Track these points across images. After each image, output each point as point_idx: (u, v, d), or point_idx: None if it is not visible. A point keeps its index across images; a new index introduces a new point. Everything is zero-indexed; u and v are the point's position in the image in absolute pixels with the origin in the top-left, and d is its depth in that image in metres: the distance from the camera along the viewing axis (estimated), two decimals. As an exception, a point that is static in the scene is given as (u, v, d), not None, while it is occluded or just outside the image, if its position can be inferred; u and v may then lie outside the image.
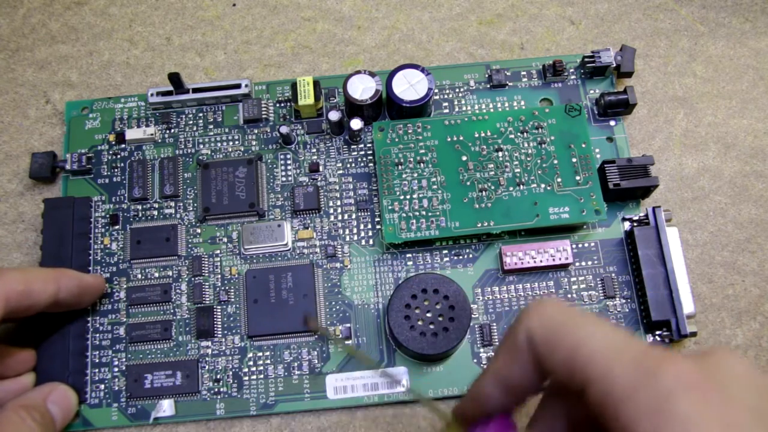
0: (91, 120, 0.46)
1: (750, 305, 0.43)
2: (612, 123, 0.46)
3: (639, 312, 0.42)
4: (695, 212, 0.45)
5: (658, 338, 0.41)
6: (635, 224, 0.43)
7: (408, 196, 0.42)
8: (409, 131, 0.43)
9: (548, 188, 0.42)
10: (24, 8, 0.51)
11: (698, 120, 0.47)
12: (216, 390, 0.41)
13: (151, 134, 0.45)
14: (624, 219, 0.44)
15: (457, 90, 0.47)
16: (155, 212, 0.44)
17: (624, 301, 0.42)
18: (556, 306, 0.27)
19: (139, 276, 0.43)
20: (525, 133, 0.44)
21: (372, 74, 0.44)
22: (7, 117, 0.48)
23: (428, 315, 0.40)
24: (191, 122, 0.46)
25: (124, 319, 0.42)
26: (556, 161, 0.43)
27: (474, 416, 0.30)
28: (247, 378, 0.41)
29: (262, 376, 0.41)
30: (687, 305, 0.41)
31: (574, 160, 0.43)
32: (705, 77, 0.48)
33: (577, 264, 0.43)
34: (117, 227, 0.44)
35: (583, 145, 0.43)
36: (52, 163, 0.45)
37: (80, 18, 0.51)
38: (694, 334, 0.40)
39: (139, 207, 0.44)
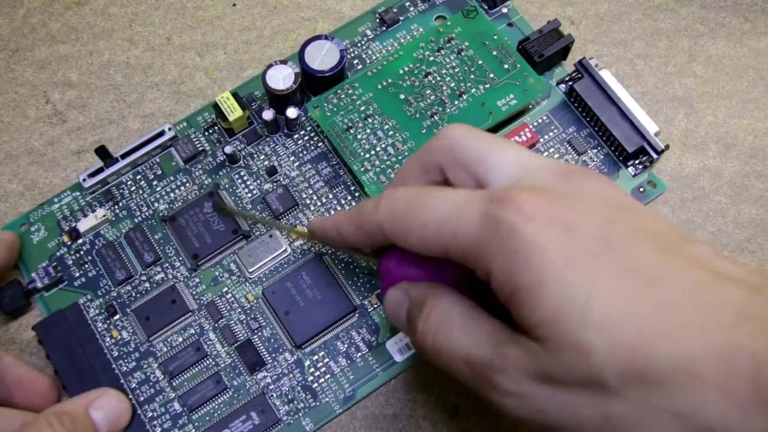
0: (35, 232, 0.44)
1: None
2: (504, 10, 0.49)
3: (613, 153, 0.45)
4: (695, 212, 0.45)
5: (640, 166, 0.44)
6: (571, 83, 0.46)
7: (372, 152, 0.43)
8: (342, 96, 0.44)
9: (486, 87, 0.44)
10: (24, 8, 0.50)
11: (698, 120, 0.47)
12: (295, 410, 0.41)
13: (104, 216, 0.44)
14: (558, 83, 0.47)
15: (359, 44, 0.48)
16: (146, 284, 0.43)
17: (596, 150, 0.45)
18: (401, 192, 0.30)
19: (165, 348, 0.42)
20: (441, 51, 0.45)
21: (284, 62, 0.44)
22: (7, 117, 0.47)
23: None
24: (134, 187, 0.45)
25: (173, 394, 0.41)
26: (480, 61, 0.45)
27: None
28: (316, 384, 0.41)
29: (328, 375, 0.41)
30: (650, 126, 0.44)
31: (494, 53, 0.45)
32: (705, 77, 0.49)
33: (542, 139, 0.46)
34: (118, 316, 0.42)
35: (495, 37, 0.46)
36: (22, 290, 0.42)
37: (80, 18, 0.50)
38: (667, 147, 0.44)
39: (129, 288, 0.43)
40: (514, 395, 0.25)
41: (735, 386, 0.21)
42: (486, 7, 0.49)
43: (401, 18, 0.49)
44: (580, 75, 0.46)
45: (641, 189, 0.45)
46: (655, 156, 0.43)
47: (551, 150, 0.45)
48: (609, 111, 0.44)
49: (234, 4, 0.51)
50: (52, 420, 0.34)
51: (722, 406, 0.21)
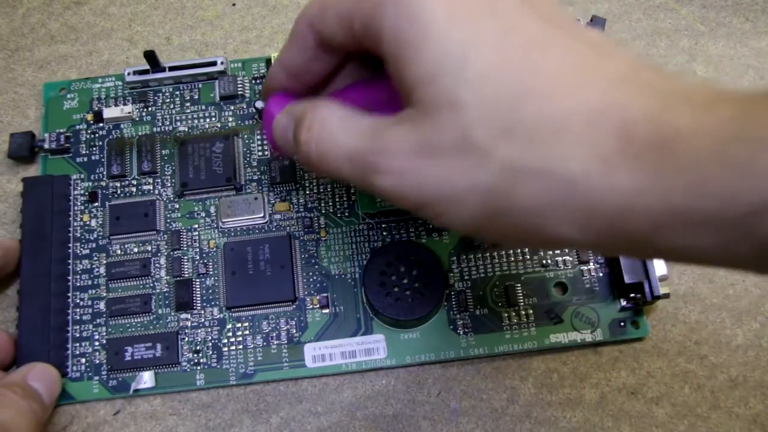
0: (69, 100, 0.47)
1: (750, 305, 0.43)
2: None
3: (611, 276, 0.43)
4: None
5: (632, 303, 0.42)
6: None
7: (382, 167, 0.43)
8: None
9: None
10: (23, 8, 0.51)
11: None
12: (196, 361, 0.42)
13: (129, 113, 0.46)
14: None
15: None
16: (134, 189, 0.45)
17: (597, 266, 0.43)
18: None
19: (119, 251, 0.44)
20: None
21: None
22: (7, 117, 0.48)
23: (404, 281, 0.41)
24: (168, 100, 0.47)
25: (104, 294, 0.43)
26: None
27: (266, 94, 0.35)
28: (226, 349, 0.42)
29: (241, 346, 0.42)
30: (659, 267, 0.41)
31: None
32: (705, 77, 0.48)
33: (551, 231, 0.44)
34: (96, 204, 0.44)
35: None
36: (31, 143, 0.45)
37: (80, 18, 0.51)
38: (666, 296, 0.41)
39: (118, 184, 0.45)
40: (394, 173, 0.25)
41: (602, 141, 0.21)
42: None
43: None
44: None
45: (622, 323, 0.42)
46: (648, 298, 0.41)
47: (553, 245, 0.43)
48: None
49: (234, 4, 0.51)
50: (4, 392, 0.37)
51: (587, 160, 0.21)
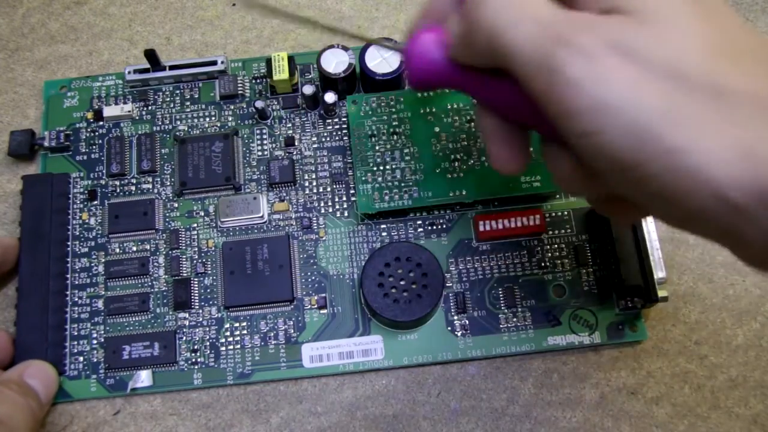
0: (69, 98, 0.47)
1: (750, 305, 0.43)
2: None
3: (610, 279, 0.43)
4: None
5: (630, 304, 0.42)
6: (607, 192, 0.44)
7: (381, 168, 0.43)
8: (383, 104, 0.44)
9: (520, 157, 0.43)
10: (23, 8, 0.51)
11: None
12: (193, 360, 0.41)
13: (129, 111, 0.46)
14: (596, 188, 0.45)
15: (431, 64, 0.47)
16: (133, 187, 0.45)
17: (595, 268, 0.43)
18: None
19: (117, 250, 0.44)
20: (497, 104, 0.44)
21: (345, 48, 0.45)
22: (7, 117, 0.48)
23: (401, 283, 0.40)
24: (168, 99, 0.47)
25: (103, 292, 0.43)
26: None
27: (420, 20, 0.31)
28: (224, 348, 0.42)
29: (238, 346, 0.42)
30: (658, 271, 0.41)
31: (545, 129, 0.43)
32: None
33: (550, 232, 0.44)
34: (95, 203, 0.44)
35: (555, 115, 0.44)
36: (31, 141, 0.45)
37: (80, 18, 0.51)
38: (665, 299, 0.41)
39: (117, 183, 0.45)
40: (589, 56, 0.22)
41: None
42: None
43: (482, 58, 0.47)
44: (618, 189, 0.43)
45: (620, 326, 0.42)
46: (646, 302, 0.41)
47: (553, 246, 0.43)
48: (626, 238, 0.42)
49: (234, 4, 0.51)
50: (1, 388, 0.37)
51: None
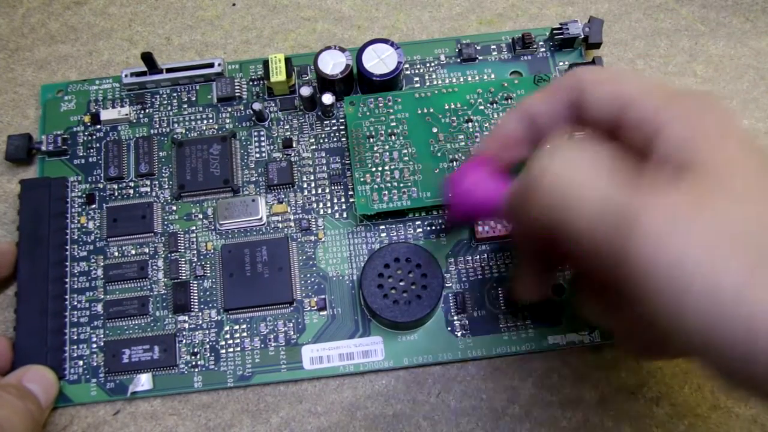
0: (66, 102, 0.47)
1: None
2: (582, 93, 0.47)
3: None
4: None
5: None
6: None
7: (380, 168, 0.43)
8: (380, 105, 0.44)
9: (518, 157, 0.43)
10: (23, 8, 0.51)
11: None
12: (193, 363, 0.41)
13: (126, 114, 0.46)
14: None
15: (428, 64, 0.47)
16: (131, 191, 0.45)
17: (595, 266, 0.43)
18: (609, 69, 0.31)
19: (116, 253, 0.44)
20: (494, 104, 0.44)
21: (342, 49, 0.44)
22: (7, 117, 0.48)
23: (401, 283, 0.40)
24: (165, 102, 0.47)
25: (102, 296, 0.43)
26: (525, 131, 0.43)
27: (488, 148, 0.33)
28: (224, 351, 0.42)
29: (238, 348, 0.42)
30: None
31: (543, 129, 0.43)
32: (705, 77, 0.48)
33: (549, 232, 0.44)
34: (93, 206, 0.44)
35: (553, 115, 0.44)
36: (28, 145, 0.45)
37: (80, 18, 0.51)
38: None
39: (115, 186, 0.45)
40: (658, 235, 0.22)
41: None
42: (566, 83, 0.47)
43: (479, 57, 0.47)
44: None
45: (620, 325, 0.42)
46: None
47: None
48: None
49: (234, 4, 0.51)
50: (1, 393, 0.37)
51: None
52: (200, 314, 0.42)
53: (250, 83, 0.47)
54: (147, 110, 0.46)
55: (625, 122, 0.27)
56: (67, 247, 0.44)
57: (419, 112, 0.44)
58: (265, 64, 0.45)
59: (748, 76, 0.48)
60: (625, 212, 0.23)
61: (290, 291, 0.42)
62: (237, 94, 0.46)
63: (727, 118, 0.25)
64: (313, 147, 0.45)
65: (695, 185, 0.23)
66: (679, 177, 0.24)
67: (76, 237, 0.44)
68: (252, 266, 0.42)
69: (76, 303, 0.43)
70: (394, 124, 0.44)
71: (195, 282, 0.43)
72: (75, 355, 0.42)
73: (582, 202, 0.24)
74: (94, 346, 0.42)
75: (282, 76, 0.45)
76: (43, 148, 0.45)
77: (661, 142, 0.25)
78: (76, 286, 0.43)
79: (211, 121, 0.46)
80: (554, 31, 0.47)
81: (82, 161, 0.45)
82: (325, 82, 0.45)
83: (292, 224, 0.44)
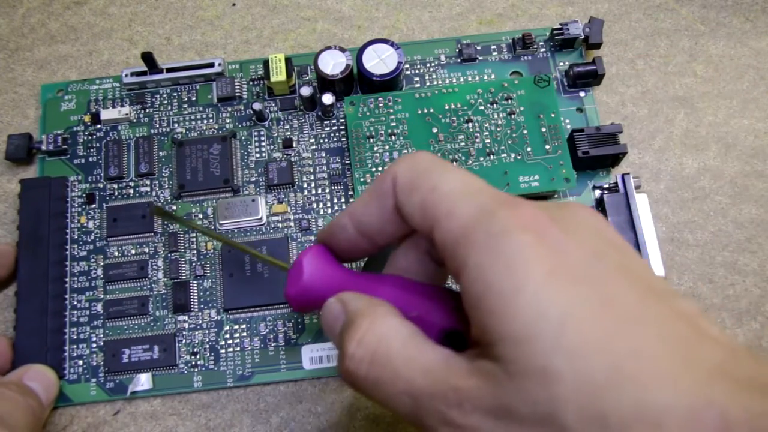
0: (67, 102, 0.47)
1: (750, 305, 0.43)
2: (582, 94, 0.47)
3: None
4: (696, 212, 0.45)
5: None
6: (605, 192, 0.44)
7: (380, 169, 0.43)
8: (380, 105, 0.44)
9: (518, 158, 0.43)
10: (23, 8, 0.51)
11: (699, 120, 0.47)
12: (193, 363, 0.41)
13: (126, 114, 0.46)
14: (595, 187, 0.45)
15: (428, 65, 0.47)
16: (131, 190, 0.45)
17: (595, 267, 0.43)
18: (426, 155, 0.27)
19: (116, 253, 0.44)
20: (494, 105, 0.44)
21: (342, 49, 0.44)
22: (7, 117, 0.48)
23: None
24: (165, 102, 0.47)
25: (102, 296, 0.43)
26: (525, 131, 0.43)
27: (324, 240, 0.31)
28: (223, 351, 0.42)
29: (238, 348, 0.42)
30: (657, 270, 0.41)
31: (543, 129, 0.43)
32: (705, 77, 0.48)
33: (549, 232, 0.44)
34: (93, 206, 0.44)
35: (552, 115, 0.44)
36: (28, 145, 0.45)
37: (80, 18, 0.51)
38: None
39: (115, 186, 0.45)
40: (467, 430, 0.22)
41: None
42: (566, 84, 0.47)
43: (480, 58, 0.47)
44: (617, 188, 0.43)
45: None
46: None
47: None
48: (625, 235, 0.42)
49: (234, 4, 0.51)
50: (1, 389, 0.37)
51: None
52: (200, 314, 0.42)
53: (251, 83, 0.47)
54: (147, 110, 0.46)
55: (435, 241, 0.25)
56: (67, 247, 0.44)
57: (419, 112, 0.44)
58: (266, 64, 0.45)
59: (748, 76, 0.48)
60: (433, 411, 0.23)
61: (290, 291, 0.42)
62: (237, 94, 0.46)
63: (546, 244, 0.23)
64: (313, 147, 0.45)
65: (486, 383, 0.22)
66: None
67: (76, 237, 0.44)
68: (252, 266, 0.42)
69: (75, 302, 0.43)
70: (394, 124, 0.44)
71: (195, 282, 0.43)
72: (75, 354, 0.42)
73: (391, 395, 0.24)
74: (94, 345, 0.42)
75: (282, 76, 0.45)
76: (43, 147, 0.45)
77: (464, 295, 0.24)
78: (76, 286, 0.43)
79: (211, 120, 0.46)
80: (554, 32, 0.47)
81: (82, 161, 0.45)
82: (325, 82, 0.45)
83: (292, 224, 0.44)
